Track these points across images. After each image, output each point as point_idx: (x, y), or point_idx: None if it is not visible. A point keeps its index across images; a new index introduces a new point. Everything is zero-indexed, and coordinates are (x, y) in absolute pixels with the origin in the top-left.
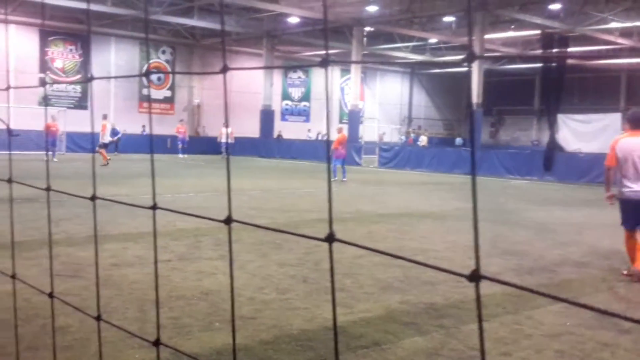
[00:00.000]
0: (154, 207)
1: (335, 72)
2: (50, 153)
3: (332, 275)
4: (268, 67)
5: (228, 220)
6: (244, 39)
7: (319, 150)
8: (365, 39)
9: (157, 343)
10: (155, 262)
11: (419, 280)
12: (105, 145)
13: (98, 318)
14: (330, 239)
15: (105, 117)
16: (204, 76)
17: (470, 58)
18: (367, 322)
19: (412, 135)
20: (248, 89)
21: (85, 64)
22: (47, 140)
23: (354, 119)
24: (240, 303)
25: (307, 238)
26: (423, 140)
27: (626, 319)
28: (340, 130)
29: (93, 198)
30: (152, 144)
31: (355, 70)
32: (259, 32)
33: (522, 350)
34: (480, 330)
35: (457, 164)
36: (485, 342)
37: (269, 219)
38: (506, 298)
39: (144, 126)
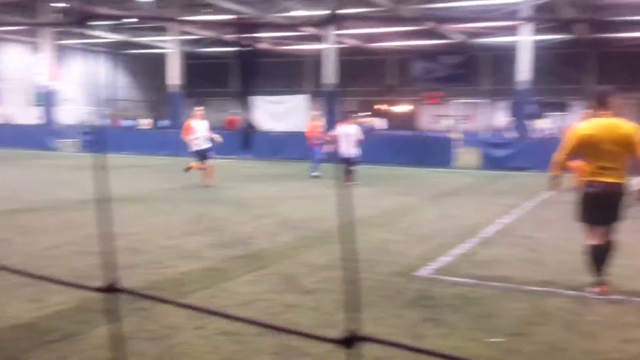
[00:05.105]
0: None
1: (25, 49)
2: None
3: None
4: None
5: None
6: None
7: (15, 136)
8: (61, 15)
9: None
10: None
11: (118, 266)
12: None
13: None
14: None
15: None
16: None
17: (332, 19)
18: (60, 314)
19: (118, 117)
20: None
21: None
22: None
23: (49, 100)
24: None
25: None
26: (144, 123)
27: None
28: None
29: None
30: None
31: (49, 49)
32: None
33: (216, 322)
34: None
35: (163, 145)
36: (180, 318)
37: None
38: (204, 273)
39: None
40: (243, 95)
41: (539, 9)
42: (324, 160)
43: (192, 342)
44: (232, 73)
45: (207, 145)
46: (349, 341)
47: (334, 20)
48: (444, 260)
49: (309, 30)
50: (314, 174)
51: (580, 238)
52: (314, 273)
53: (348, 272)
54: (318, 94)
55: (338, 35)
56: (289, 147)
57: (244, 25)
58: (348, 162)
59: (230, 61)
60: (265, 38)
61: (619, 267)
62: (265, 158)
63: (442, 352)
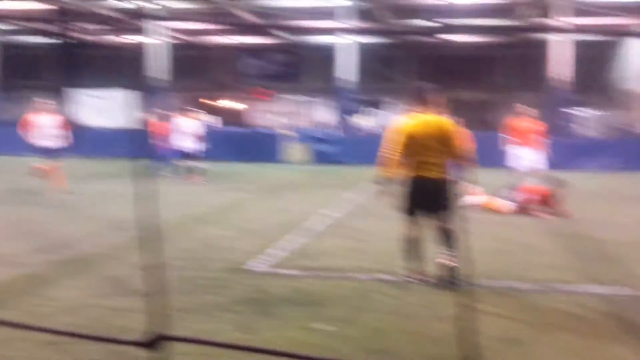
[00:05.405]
0: None
1: None
2: None
3: None
4: None
5: None
6: None
7: None
8: None
9: None
10: None
11: None
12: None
13: None
14: None
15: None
16: None
17: (140, 14)
18: None
19: None
20: None
21: None
22: None
23: None
24: None
25: None
26: None
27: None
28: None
29: None
30: None
31: None
32: None
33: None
34: None
35: None
36: None
37: None
38: (24, 280)
39: None
40: (61, 88)
41: (361, 13)
42: (169, 158)
43: (12, 354)
44: (49, 65)
45: (53, 143)
46: (153, 342)
47: (143, 15)
48: (276, 254)
49: (135, 23)
50: (165, 173)
51: (401, 228)
52: (137, 276)
53: (151, 272)
54: (147, 89)
55: (167, 28)
56: (114, 143)
57: (50, 18)
58: (188, 157)
59: (47, 52)
60: (88, 29)
61: (434, 253)
62: (89, 156)
63: (255, 346)
